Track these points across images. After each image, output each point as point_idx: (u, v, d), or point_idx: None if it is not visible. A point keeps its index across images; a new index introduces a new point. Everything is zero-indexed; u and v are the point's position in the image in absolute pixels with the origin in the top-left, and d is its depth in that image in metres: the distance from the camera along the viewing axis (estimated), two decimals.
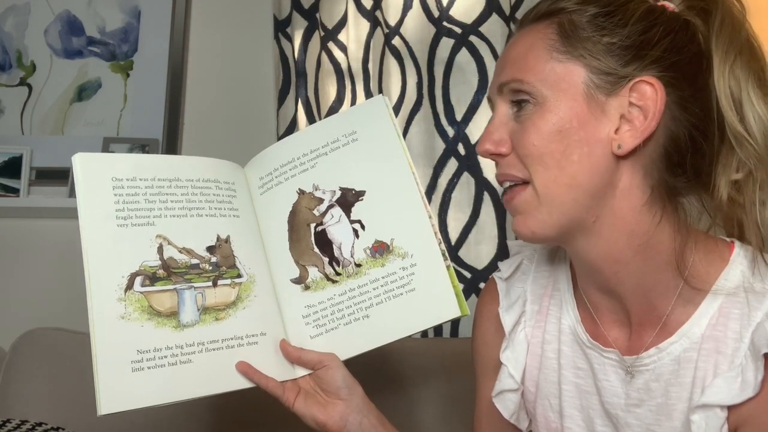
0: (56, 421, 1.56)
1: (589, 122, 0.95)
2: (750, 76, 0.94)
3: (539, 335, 1.15)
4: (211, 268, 1.11)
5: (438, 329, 2.07)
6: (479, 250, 2.07)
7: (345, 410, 1.11)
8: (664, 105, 0.93)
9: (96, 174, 1.09)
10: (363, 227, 1.15)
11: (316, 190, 1.18)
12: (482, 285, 2.03)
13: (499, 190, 1.98)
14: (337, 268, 1.15)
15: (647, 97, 0.93)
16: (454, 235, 2.07)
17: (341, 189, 1.17)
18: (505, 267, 1.23)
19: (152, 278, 1.06)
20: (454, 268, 1.99)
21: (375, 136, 1.18)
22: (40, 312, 2.10)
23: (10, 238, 2.26)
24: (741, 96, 0.94)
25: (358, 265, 1.14)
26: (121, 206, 1.07)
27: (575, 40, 0.96)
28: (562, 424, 1.10)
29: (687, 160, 0.96)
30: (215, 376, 1.06)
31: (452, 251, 2.06)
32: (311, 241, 1.17)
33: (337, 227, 1.16)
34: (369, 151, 1.18)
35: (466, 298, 1.99)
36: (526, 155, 0.97)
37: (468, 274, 2.06)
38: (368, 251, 1.14)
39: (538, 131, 0.96)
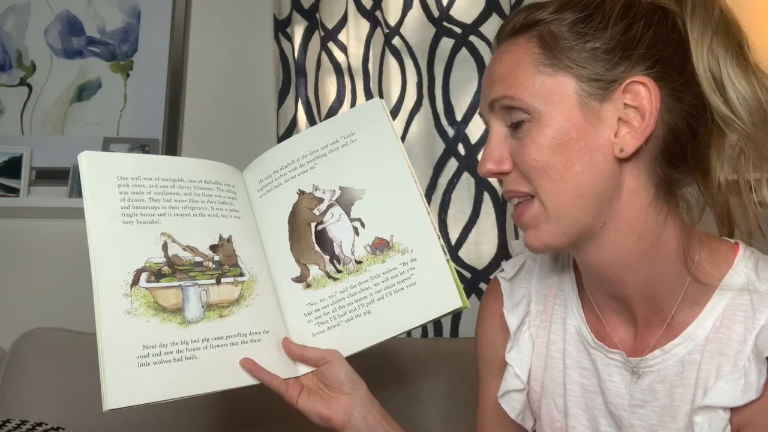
0: (56, 421, 1.56)
1: (587, 131, 0.95)
2: (728, 53, 0.93)
3: (544, 335, 1.15)
4: (214, 266, 1.11)
5: (438, 329, 2.07)
6: (479, 250, 2.08)
7: (349, 404, 1.12)
8: (659, 101, 0.93)
9: (102, 172, 1.09)
10: (363, 225, 1.16)
11: (315, 190, 1.19)
12: (483, 285, 2.04)
13: (498, 192, 1.98)
14: (337, 265, 1.16)
15: (641, 97, 0.93)
16: (454, 235, 2.08)
17: (341, 188, 1.18)
18: (508, 267, 1.23)
19: (157, 275, 1.06)
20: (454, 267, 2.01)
21: (373, 136, 1.19)
22: (40, 312, 2.11)
23: (10, 238, 2.26)
24: (722, 76, 0.93)
25: (359, 262, 1.15)
26: (126, 204, 1.08)
27: (558, 51, 0.96)
28: (566, 424, 1.11)
29: (688, 149, 0.97)
30: (220, 373, 1.06)
31: (452, 251, 2.07)
32: (312, 240, 1.18)
33: (338, 226, 1.17)
34: (368, 151, 1.19)
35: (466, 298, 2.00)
36: (528, 171, 0.97)
37: (468, 274, 2.07)
38: (368, 248, 1.15)
39: (538, 146, 0.95)
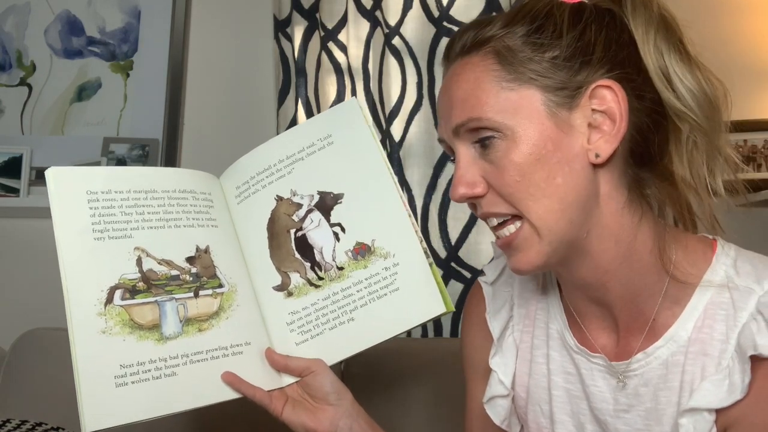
0: (56, 421, 1.56)
1: (562, 141, 0.93)
2: (671, 49, 0.94)
3: (528, 340, 1.14)
4: (191, 279, 1.09)
5: (438, 329, 2.07)
6: (479, 250, 2.07)
7: (335, 415, 1.11)
8: (627, 102, 0.92)
9: (70, 188, 1.08)
10: (343, 230, 1.15)
11: (294, 195, 1.17)
12: None
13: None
14: (319, 272, 1.15)
15: (608, 101, 0.92)
16: (454, 235, 2.07)
17: (319, 193, 1.17)
18: (489, 270, 1.22)
19: (132, 291, 1.05)
20: (453, 267, 2.01)
21: (350, 138, 1.18)
22: (40, 312, 2.10)
23: (10, 238, 2.27)
24: (669, 72, 0.93)
25: (341, 269, 1.14)
26: (97, 219, 1.06)
27: (518, 64, 0.93)
28: (553, 430, 1.10)
29: (654, 146, 0.96)
30: (201, 388, 1.05)
31: (452, 251, 2.07)
32: (292, 247, 1.17)
33: (318, 231, 1.16)
34: (345, 154, 1.18)
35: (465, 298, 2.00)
36: (510, 193, 0.94)
37: (468, 274, 2.06)
38: (350, 254, 1.14)
39: (518, 165, 0.93)
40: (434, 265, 1.12)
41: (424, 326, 2.05)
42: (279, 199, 1.18)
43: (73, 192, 1.08)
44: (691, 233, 1.03)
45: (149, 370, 1.02)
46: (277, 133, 2.16)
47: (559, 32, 0.94)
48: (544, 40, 0.94)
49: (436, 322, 2.07)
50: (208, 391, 1.06)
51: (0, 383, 1.71)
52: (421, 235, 1.13)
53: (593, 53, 0.93)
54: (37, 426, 1.53)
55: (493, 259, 1.24)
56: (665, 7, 0.97)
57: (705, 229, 1.01)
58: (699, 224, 1.03)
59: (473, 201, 1.00)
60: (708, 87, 0.94)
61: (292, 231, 1.17)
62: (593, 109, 0.93)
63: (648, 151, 0.96)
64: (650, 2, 0.96)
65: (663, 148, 0.97)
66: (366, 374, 1.65)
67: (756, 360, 0.90)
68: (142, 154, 2.25)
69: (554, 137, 0.93)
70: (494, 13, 2.07)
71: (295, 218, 1.17)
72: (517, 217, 0.96)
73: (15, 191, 2.20)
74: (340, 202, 1.16)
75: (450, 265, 2.06)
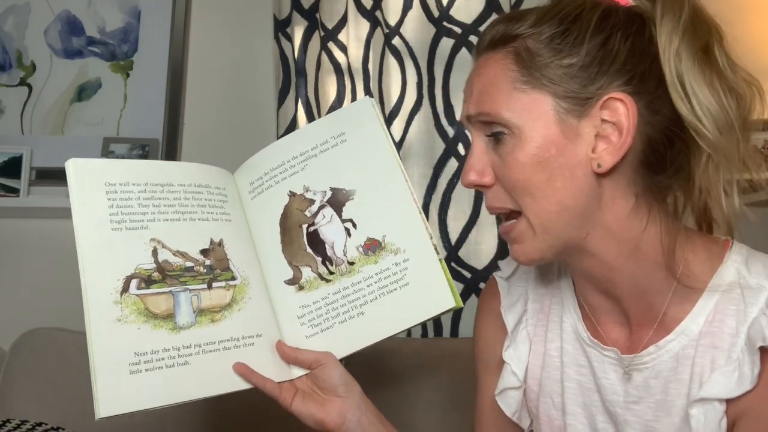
0: (56, 421, 1.57)
1: (566, 147, 0.94)
2: (691, 60, 0.92)
3: (542, 333, 1.15)
4: (205, 270, 1.10)
5: (438, 329, 2.08)
6: (479, 250, 2.08)
7: (343, 407, 1.11)
8: (636, 117, 0.93)
9: (89, 179, 1.09)
10: (355, 226, 1.16)
11: (306, 191, 1.18)
12: (482, 285, 2.04)
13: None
14: (330, 267, 1.16)
15: (619, 113, 0.93)
16: (454, 235, 2.08)
17: (332, 189, 1.18)
18: (505, 266, 1.23)
19: (147, 281, 1.06)
20: (453, 266, 2.01)
21: (363, 136, 1.19)
22: (40, 312, 2.11)
23: (10, 238, 2.26)
24: (685, 83, 0.92)
25: (351, 263, 1.15)
26: (115, 210, 1.07)
27: (534, 69, 0.95)
28: (564, 422, 1.11)
29: (667, 157, 0.96)
30: (212, 378, 1.06)
31: (452, 251, 2.07)
32: (304, 242, 1.17)
33: (329, 227, 1.17)
34: (358, 151, 1.19)
35: (466, 298, 2.01)
36: (512, 189, 0.98)
37: (468, 274, 2.07)
38: (361, 249, 1.15)
39: (520, 165, 0.96)
40: (443, 261, 1.12)
41: (424, 326, 2.06)
42: (292, 194, 1.19)
43: (92, 183, 1.09)
44: (706, 234, 1.04)
45: (163, 359, 1.03)
46: (277, 134, 2.17)
47: (582, 38, 0.94)
48: (565, 46, 0.95)
49: (436, 321, 2.07)
50: (220, 380, 1.07)
51: (0, 383, 1.70)
52: (431, 231, 1.14)
53: (612, 63, 0.94)
54: (37, 426, 1.53)
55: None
56: (700, 9, 0.96)
57: (721, 232, 1.02)
58: (715, 226, 1.03)
59: (481, 189, 1.03)
60: (727, 100, 0.92)
61: (305, 226, 1.18)
62: (603, 120, 0.94)
63: (662, 161, 0.97)
64: (680, 8, 0.94)
65: (680, 160, 0.98)
66: (366, 374, 1.65)
67: (765, 352, 0.92)
68: (142, 154, 2.24)
69: (558, 143, 0.95)
70: (499, 11, 2.08)
71: (308, 214, 1.18)
72: (517, 213, 0.99)
73: (15, 191, 2.19)
74: (352, 199, 1.17)
75: (450, 265, 2.06)
